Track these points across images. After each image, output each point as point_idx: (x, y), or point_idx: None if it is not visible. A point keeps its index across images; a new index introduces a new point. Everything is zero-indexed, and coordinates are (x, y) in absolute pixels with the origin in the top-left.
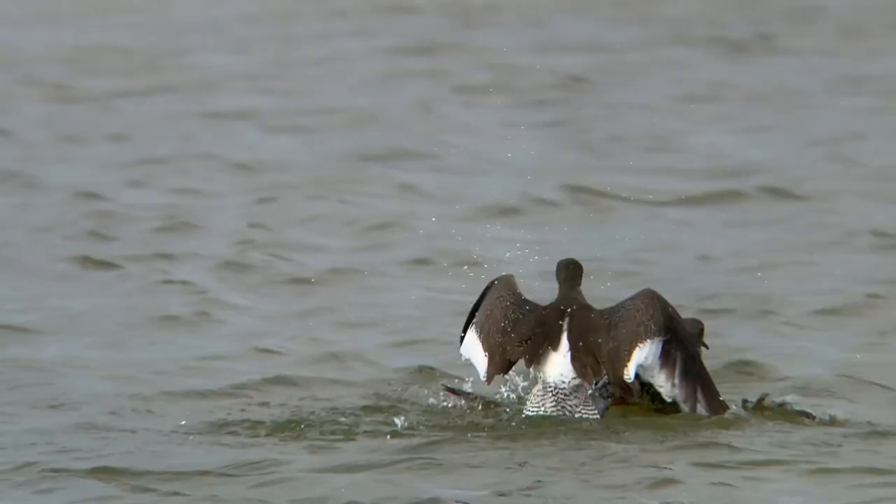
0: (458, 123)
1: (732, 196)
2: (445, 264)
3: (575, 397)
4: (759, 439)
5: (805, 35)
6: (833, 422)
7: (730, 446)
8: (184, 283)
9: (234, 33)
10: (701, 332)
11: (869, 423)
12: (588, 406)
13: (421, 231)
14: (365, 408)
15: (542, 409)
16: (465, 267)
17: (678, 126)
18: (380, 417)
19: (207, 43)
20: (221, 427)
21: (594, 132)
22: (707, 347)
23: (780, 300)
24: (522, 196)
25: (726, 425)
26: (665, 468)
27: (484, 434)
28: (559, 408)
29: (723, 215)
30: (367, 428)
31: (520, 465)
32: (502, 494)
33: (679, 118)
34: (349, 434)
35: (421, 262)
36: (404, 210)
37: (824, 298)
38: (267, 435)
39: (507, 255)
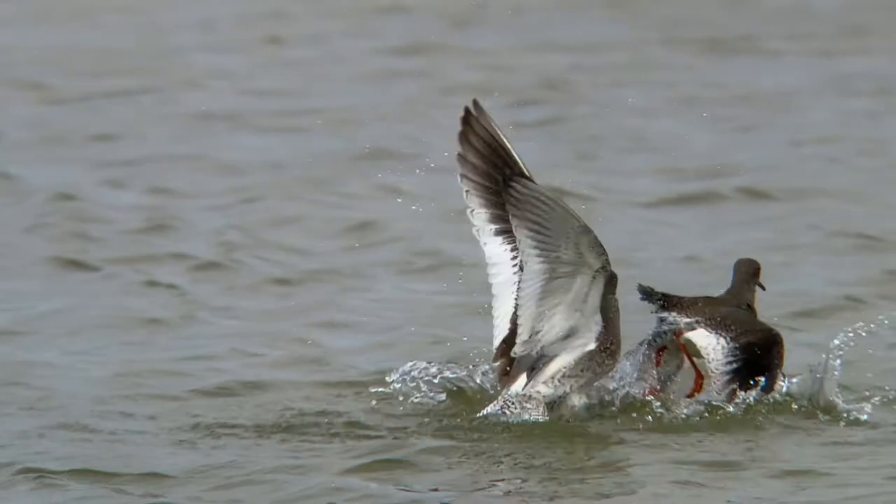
0: (442, 124)
1: (714, 197)
2: (427, 266)
3: (523, 408)
4: (730, 441)
5: (790, 36)
6: (812, 423)
7: (700, 448)
8: (165, 284)
9: (222, 34)
10: (756, 272)
11: (845, 425)
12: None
13: (403, 232)
14: (345, 409)
15: (494, 410)
16: (448, 269)
17: (662, 126)
18: (359, 419)
19: (193, 43)
20: (201, 428)
21: (578, 133)
22: (764, 289)
23: (762, 301)
24: None
25: (701, 428)
26: (641, 469)
27: (461, 436)
28: (505, 414)
29: (706, 216)
30: (347, 429)
31: (497, 466)
32: (479, 495)
33: (663, 119)
34: (329, 435)
35: (402, 263)
36: (387, 211)
37: (804, 300)
38: (247, 436)
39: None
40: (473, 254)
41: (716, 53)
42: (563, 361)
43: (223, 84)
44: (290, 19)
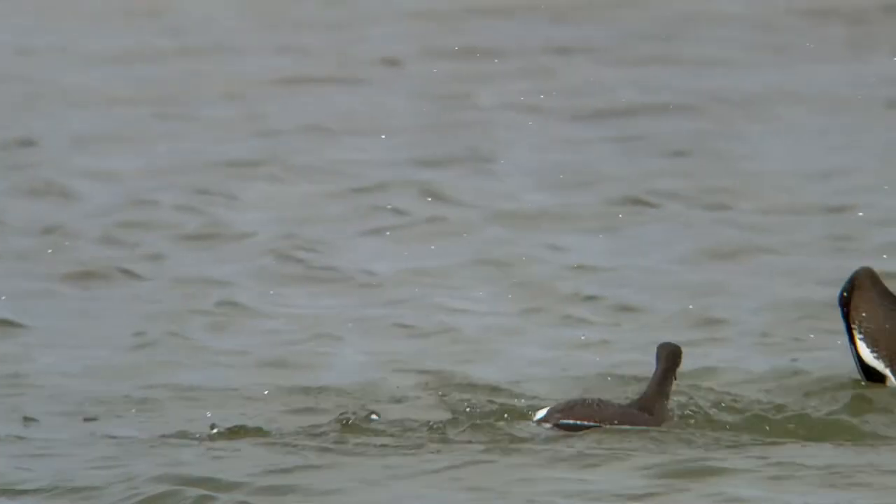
0: (324, 129)
1: (605, 205)
2: (303, 275)
3: None
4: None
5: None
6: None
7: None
8: (46, 291)
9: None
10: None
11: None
12: None
13: (280, 242)
14: (217, 426)
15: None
16: (327, 281)
17: (559, 133)
18: (251, 434)
19: (86, 51)
20: (94, 441)
21: (466, 141)
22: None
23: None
24: (382, 206)
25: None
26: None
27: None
28: None
29: (600, 225)
30: (232, 445)
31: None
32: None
33: (565, 126)
34: (215, 446)
35: (286, 276)
36: (263, 219)
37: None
38: (144, 446)
39: (375, 266)
40: (356, 264)
41: (620, 63)
42: None
43: (114, 93)
44: (196, 28)
